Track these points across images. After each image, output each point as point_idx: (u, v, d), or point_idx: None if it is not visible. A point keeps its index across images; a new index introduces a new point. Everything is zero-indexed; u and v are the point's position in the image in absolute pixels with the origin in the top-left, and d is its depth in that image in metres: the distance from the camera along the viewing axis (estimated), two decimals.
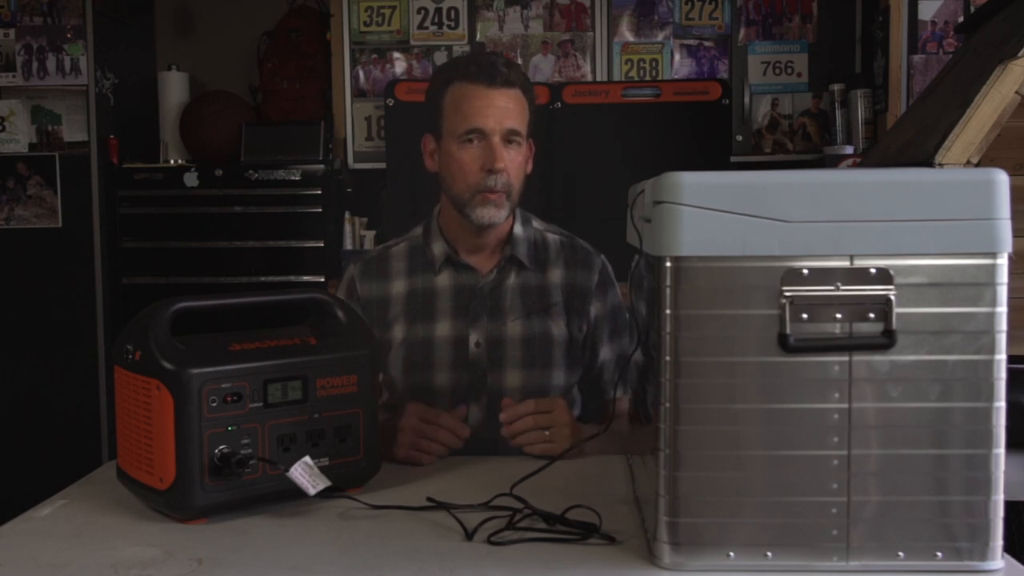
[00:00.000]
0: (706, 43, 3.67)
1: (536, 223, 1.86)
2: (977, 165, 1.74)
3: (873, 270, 1.06)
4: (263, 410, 1.30)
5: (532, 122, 1.77)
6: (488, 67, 1.70)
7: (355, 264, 1.86)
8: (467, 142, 1.70)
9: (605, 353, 1.83)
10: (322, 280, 3.42)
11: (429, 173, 1.83)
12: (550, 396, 1.69)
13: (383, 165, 3.58)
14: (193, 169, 3.47)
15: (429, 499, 1.34)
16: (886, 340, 1.06)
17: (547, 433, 1.60)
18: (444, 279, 1.78)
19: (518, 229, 1.80)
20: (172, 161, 3.61)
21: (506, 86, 1.70)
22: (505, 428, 1.61)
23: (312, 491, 1.29)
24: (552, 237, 1.85)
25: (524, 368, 1.75)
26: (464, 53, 1.79)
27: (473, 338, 1.75)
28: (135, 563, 1.14)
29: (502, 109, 1.69)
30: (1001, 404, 1.06)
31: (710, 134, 3.47)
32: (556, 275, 1.81)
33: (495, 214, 1.71)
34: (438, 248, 1.79)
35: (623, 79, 3.66)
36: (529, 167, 1.79)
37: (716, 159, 3.43)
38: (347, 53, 3.71)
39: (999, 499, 1.07)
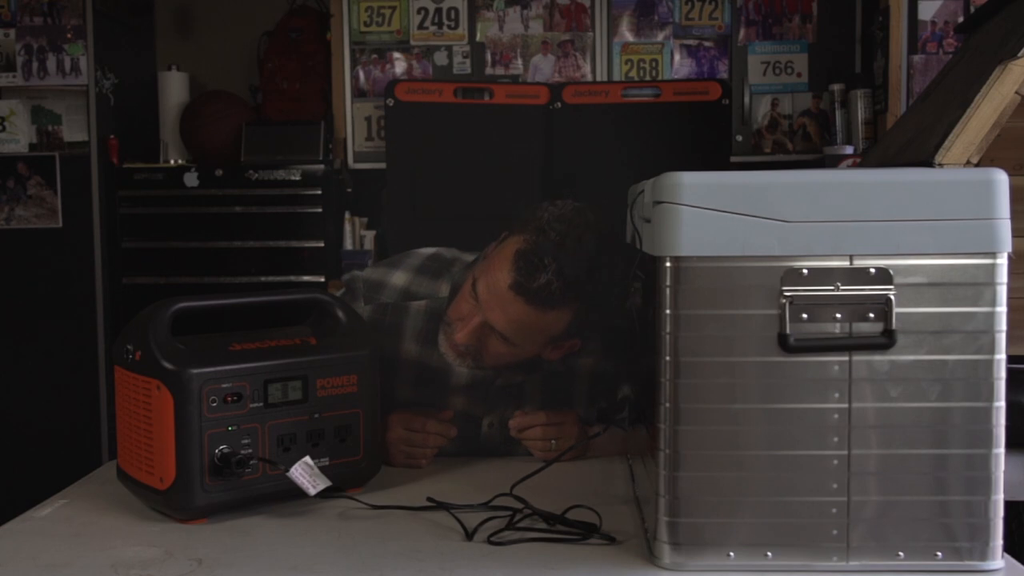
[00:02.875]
0: (706, 43, 3.67)
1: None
2: (977, 165, 1.74)
3: (873, 270, 1.06)
4: (263, 410, 1.30)
5: (578, 327, 1.51)
6: (532, 278, 1.43)
7: (366, 303, 1.66)
8: (472, 291, 1.51)
9: (624, 415, 1.68)
10: (322, 280, 3.41)
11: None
12: (562, 410, 1.62)
13: (383, 165, 3.58)
14: (193, 169, 3.46)
15: (429, 499, 1.34)
16: (886, 340, 1.06)
17: (553, 443, 1.56)
18: (462, 368, 1.59)
19: None
20: (172, 161, 3.61)
21: (534, 305, 1.44)
22: (513, 432, 1.58)
23: (312, 491, 1.29)
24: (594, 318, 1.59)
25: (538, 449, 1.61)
26: (575, 217, 1.50)
27: (487, 420, 1.65)
28: (135, 563, 1.14)
29: (506, 313, 1.47)
30: (1001, 404, 1.06)
31: (710, 134, 3.47)
32: (586, 364, 1.65)
33: (452, 357, 1.56)
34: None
35: (623, 79, 3.66)
36: (552, 356, 1.56)
37: (716, 159, 3.43)
38: (347, 53, 3.71)
39: (999, 499, 1.07)
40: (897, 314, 1.06)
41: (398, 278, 1.68)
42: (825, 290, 1.06)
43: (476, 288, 1.50)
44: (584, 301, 1.47)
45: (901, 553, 1.07)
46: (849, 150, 3.34)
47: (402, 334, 1.64)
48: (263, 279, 3.43)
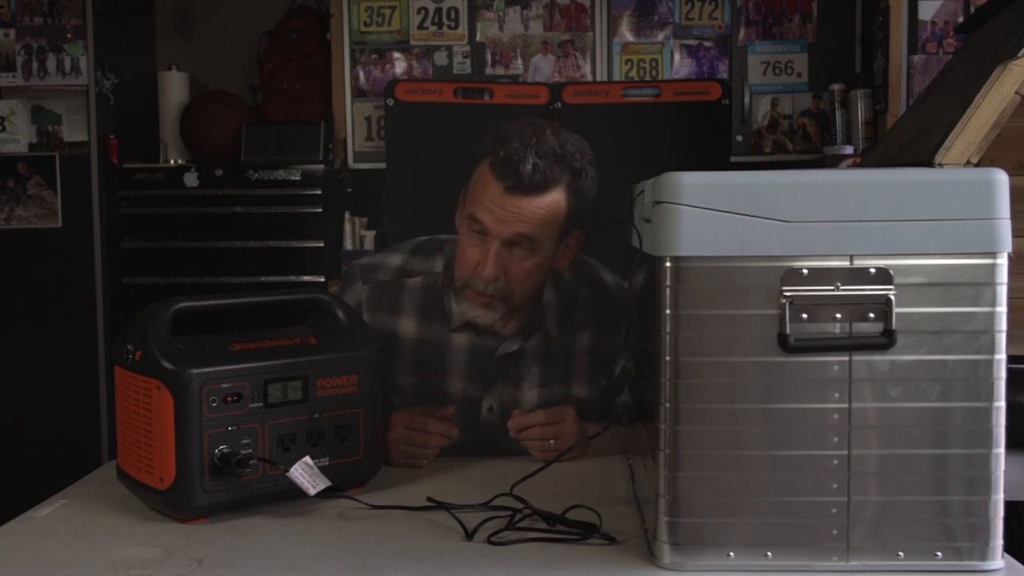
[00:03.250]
0: (706, 43, 3.67)
1: (567, 274, 1.70)
2: (977, 165, 1.74)
3: (873, 270, 1.06)
4: (263, 410, 1.30)
5: (575, 214, 1.57)
6: (520, 170, 1.50)
7: (364, 283, 1.69)
8: (473, 230, 1.56)
9: (624, 396, 1.73)
10: (322, 280, 3.41)
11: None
12: (560, 407, 1.62)
13: (383, 165, 3.58)
14: (193, 169, 3.47)
15: (429, 499, 1.34)
16: (886, 340, 1.06)
17: (552, 443, 1.56)
18: (461, 338, 1.65)
19: (548, 293, 1.67)
20: (172, 161, 3.61)
21: (534, 192, 1.51)
22: (512, 433, 1.58)
23: (312, 491, 1.29)
24: (584, 292, 1.70)
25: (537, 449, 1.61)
26: (519, 121, 1.59)
27: (487, 403, 1.66)
28: (135, 563, 1.14)
29: (514, 215, 1.52)
30: (1001, 404, 1.06)
31: (710, 134, 3.47)
32: (583, 339, 1.69)
33: (481, 315, 1.58)
34: (457, 307, 1.64)
35: (623, 79, 3.66)
36: (564, 262, 1.63)
37: (716, 159, 3.43)
38: (347, 53, 3.71)
39: (999, 499, 1.07)
40: (897, 314, 1.06)
41: (394, 259, 1.72)
42: (825, 290, 1.06)
43: (478, 218, 1.54)
44: (570, 178, 1.55)
45: (901, 553, 1.07)
46: (849, 150, 3.34)
47: (400, 310, 1.67)
48: (263, 279, 3.43)
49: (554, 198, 1.53)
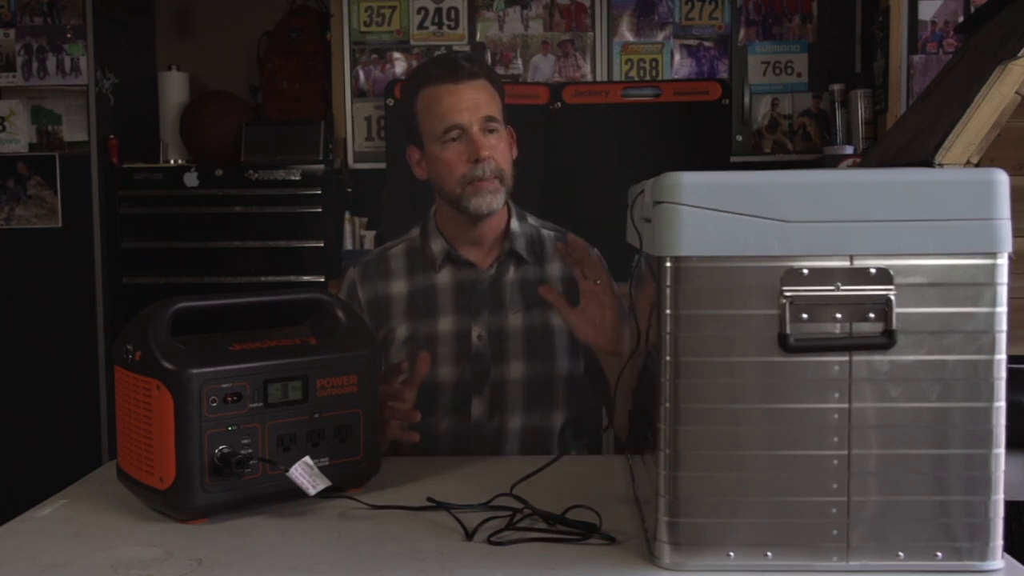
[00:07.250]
0: (706, 43, 3.67)
1: (531, 220, 1.89)
2: (977, 165, 1.74)
3: (873, 270, 1.06)
4: (263, 410, 1.30)
5: (505, 110, 1.80)
6: (450, 64, 1.75)
7: (354, 268, 1.88)
8: (449, 141, 1.73)
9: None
10: (322, 280, 3.42)
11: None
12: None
13: (383, 165, 3.58)
14: (193, 169, 3.47)
15: (429, 499, 1.34)
16: (886, 340, 1.06)
17: (598, 282, 1.60)
18: (444, 276, 1.81)
19: (515, 225, 1.83)
20: (172, 161, 3.62)
21: (471, 79, 1.74)
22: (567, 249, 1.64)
23: (312, 491, 1.29)
24: (548, 233, 1.88)
25: (526, 359, 1.76)
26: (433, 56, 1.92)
27: (475, 331, 1.77)
28: (135, 563, 1.14)
29: (473, 100, 1.73)
30: (1001, 404, 1.06)
31: (710, 134, 3.47)
32: (554, 268, 1.83)
33: (491, 200, 1.72)
34: (437, 246, 1.81)
35: (623, 79, 3.66)
36: (514, 152, 1.82)
37: (716, 159, 3.43)
38: (347, 53, 3.71)
39: (999, 499, 1.07)
40: (897, 314, 1.06)
41: (379, 245, 1.93)
42: (825, 290, 1.06)
43: (453, 121, 1.71)
44: (490, 73, 1.80)
45: (901, 553, 1.07)
46: (849, 150, 3.35)
47: (390, 275, 1.84)
48: (263, 279, 3.43)
49: (487, 84, 1.76)
